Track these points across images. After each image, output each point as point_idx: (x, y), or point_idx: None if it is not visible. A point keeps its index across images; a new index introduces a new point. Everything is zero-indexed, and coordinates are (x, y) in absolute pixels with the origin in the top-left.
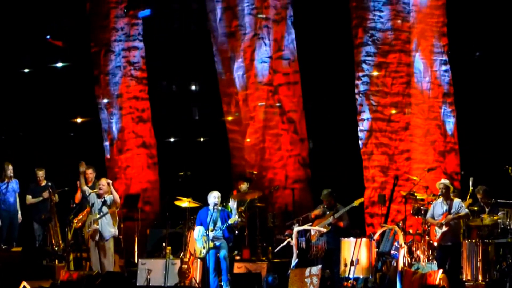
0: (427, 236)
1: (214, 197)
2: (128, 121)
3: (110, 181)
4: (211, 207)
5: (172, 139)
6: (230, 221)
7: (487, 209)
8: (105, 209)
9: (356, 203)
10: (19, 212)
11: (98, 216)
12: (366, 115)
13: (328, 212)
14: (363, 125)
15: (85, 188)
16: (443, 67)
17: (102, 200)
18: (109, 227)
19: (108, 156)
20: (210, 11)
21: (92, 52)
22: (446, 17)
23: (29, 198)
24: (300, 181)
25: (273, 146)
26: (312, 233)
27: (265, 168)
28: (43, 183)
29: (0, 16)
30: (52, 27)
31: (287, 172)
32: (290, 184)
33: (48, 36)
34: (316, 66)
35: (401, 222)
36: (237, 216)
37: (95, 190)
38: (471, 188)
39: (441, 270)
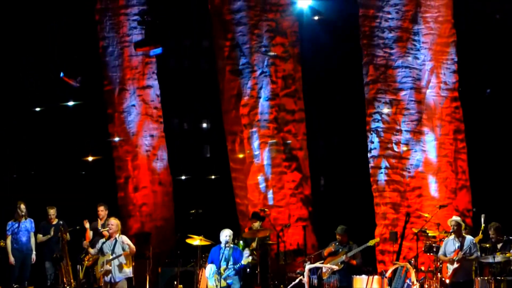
0: (439, 274)
1: (226, 235)
2: (143, 159)
3: (129, 244)
4: (222, 245)
5: (183, 177)
6: (243, 262)
7: (499, 246)
8: (118, 250)
9: (371, 243)
10: (34, 252)
11: (111, 257)
12: (377, 152)
13: (341, 250)
14: (375, 162)
15: (88, 246)
16: (454, 104)
17: (113, 241)
18: (122, 268)
19: (123, 194)
20: (219, 49)
21: (105, 90)
22: (457, 54)
23: (40, 237)
24: (303, 219)
25: (277, 185)
26: (324, 270)
27: (269, 207)
28: (54, 221)
29: (12, 54)
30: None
31: (290, 210)
32: (294, 223)
33: (62, 74)
34: (327, 103)
35: (413, 259)
36: (250, 257)
37: (106, 229)
38: (483, 225)
39: None
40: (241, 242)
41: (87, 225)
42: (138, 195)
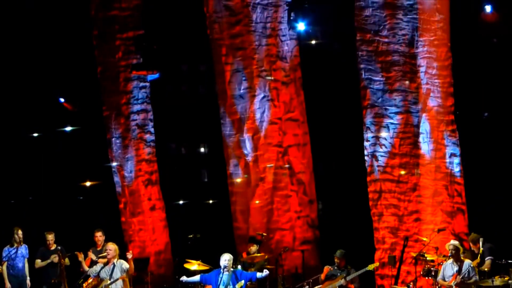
0: None
1: (224, 259)
2: (139, 184)
3: (130, 256)
4: (222, 269)
5: (181, 202)
6: (237, 286)
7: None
8: (116, 275)
9: (370, 267)
10: (28, 278)
11: (109, 281)
12: (375, 176)
13: (339, 274)
14: (372, 186)
15: (88, 270)
16: (450, 127)
17: (111, 266)
18: None
19: (123, 219)
20: (219, 73)
21: (104, 116)
22: (453, 77)
23: (38, 262)
24: (308, 242)
25: (282, 208)
26: None
27: (273, 230)
28: (53, 247)
29: (10, 79)
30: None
31: (295, 233)
32: (298, 246)
33: (62, 100)
34: (325, 127)
35: (411, 283)
36: (243, 281)
37: (104, 254)
38: (481, 249)
39: None
40: (239, 266)
41: (80, 257)
42: (135, 220)
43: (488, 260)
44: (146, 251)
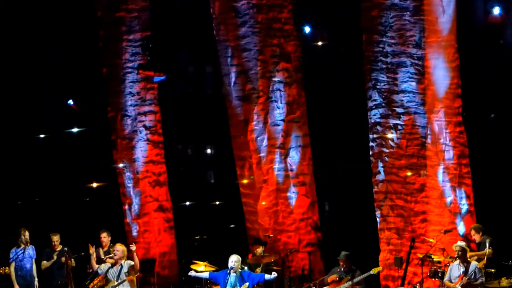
0: None
1: (231, 261)
2: (145, 185)
3: (134, 248)
4: (228, 271)
5: (187, 203)
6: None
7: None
8: (123, 276)
9: (374, 271)
10: (36, 279)
11: (116, 283)
12: (381, 177)
13: (344, 276)
14: (378, 187)
15: (97, 267)
16: (458, 129)
17: (119, 267)
18: None
19: (127, 220)
20: (225, 74)
21: (109, 116)
22: (460, 78)
23: (44, 263)
24: (311, 244)
25: (286, 210)
26: None
27: (280, 232)
28: (58, 248)
29: (16, 81)
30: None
31: (300, 235)
32: (303, 248)
33: (71, 102)
34: (331, 128)
35: (418, 284)
36: (247, 284)
37: (110, 255)
38: (487, 250)
39: None
40: (245, 268)
41: (91, 250)
42: (140, 221)
43: (489, 249)
44: (151, 253)
